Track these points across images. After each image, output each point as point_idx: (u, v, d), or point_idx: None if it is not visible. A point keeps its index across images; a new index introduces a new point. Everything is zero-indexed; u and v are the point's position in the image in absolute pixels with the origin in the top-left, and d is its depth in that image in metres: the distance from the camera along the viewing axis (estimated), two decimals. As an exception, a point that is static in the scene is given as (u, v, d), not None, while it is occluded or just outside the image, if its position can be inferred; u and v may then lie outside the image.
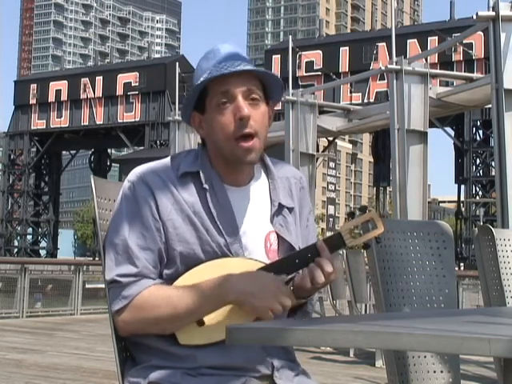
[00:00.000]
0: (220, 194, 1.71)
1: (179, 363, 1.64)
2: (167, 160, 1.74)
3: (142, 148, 43.46)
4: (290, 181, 1.83)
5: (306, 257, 1.64)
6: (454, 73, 20.59)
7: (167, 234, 1.66)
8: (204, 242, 1.66)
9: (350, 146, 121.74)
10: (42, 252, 47.97)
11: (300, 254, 1.67)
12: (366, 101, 34.43)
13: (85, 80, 45.78)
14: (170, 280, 1.67)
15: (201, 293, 1.61)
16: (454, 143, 36.82)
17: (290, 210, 1.79)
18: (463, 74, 16.69)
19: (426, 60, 19.34)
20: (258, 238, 1.73)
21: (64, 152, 51.17)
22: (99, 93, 45.16)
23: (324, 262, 1.62)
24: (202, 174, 1.71)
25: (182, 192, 1.68)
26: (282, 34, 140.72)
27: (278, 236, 1.75)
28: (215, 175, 1.72)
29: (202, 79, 1.69)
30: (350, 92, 36.94)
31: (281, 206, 1.77)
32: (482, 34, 24.95)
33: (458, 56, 34.18)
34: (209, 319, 1.64)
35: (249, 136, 1.68)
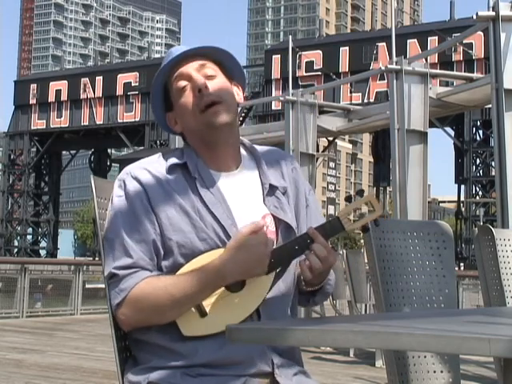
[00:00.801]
0: (208, 181, 1.72)
1: (179, 360, 1.63)
2: (156, 156, 1.77)
3: (141, 148, 43.47)
4: (280, 163, 1.83)
5: (306, 242, 1.65)
6: (454, 73, 20.59)
7: (161, 226, 1.67)
8: (199, 229, 1.66)
9: (350, 145, 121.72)
10: (42, 252, 47.98)
11: (299, 240, 1.67)
12: (366, 101, 34.44)
13: (85, 80, 45.80)
14: (169, 272, 1.67)
15: (198, 277, 1.61)
16: (454, 143, 36.84)
17: (283, 190, 1.79)
18: (463, 74, 16.69)
19: (426, 60, 19.34)
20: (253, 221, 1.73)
21: (64, 152, 51.19)
22: (99, 93, 45.18)
23: (317, 246, 1.63)
24: (189, 165, 1.72)
25: (172, 183, 1.70)
26: (281, 33, 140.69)
27: (274, 217, 1.75)
28: (201, 164, 1.74)
29: (156, 76, 1.76)
30: (350, 92, 36.96)
31: (272, 188, 1.77)
32: (481, 34, 24.96)
33: (458, 56, 34.20)
34: (211, 310, 1.64)
35: (212, 104, 1.71)
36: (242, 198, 1.74)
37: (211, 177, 1.73)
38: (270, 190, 1.77)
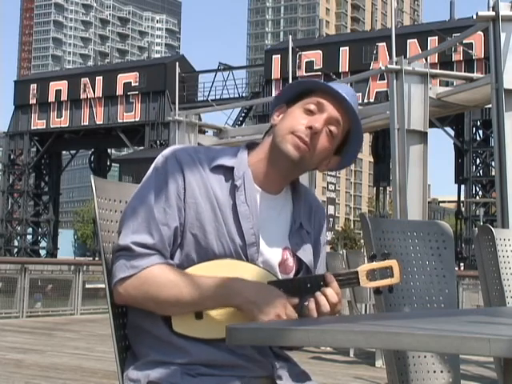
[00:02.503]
0: (250, 193, 1.70)
1: (176, 357, 1.63)
2: (204, 148, 1.76)
3: (141, 148, 43.45)
4: (313, 209, 1.83)
5: (319, 283, 1.65)
6: (454, 73, 20.56)
7: (187, 216, 1.66)
8: (220, 234, 1.66)
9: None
10: (42, 252, 47.96)
11: (313, 279, 1.68)
12: (366, 101, 34.41)
13: (85, 80, 45.76)
14: (179, 264, 1.67)
15: (209, 287, 1.61)
16: (454, 143, 36.81)
17: (308, 233, 1.79)
18: (463, 74, 16.68)
19: (426, 60, 19.34)
20: (275, 249, 1.73)
21: (64, 152, 51.15)
22: (99, 93, 45.15)
23: (330, 292, 1.64)
24: (235, 171, 1.70)
25: (212, 181, 1.68)
26: (282, 33, 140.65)
27: (294, 254, 1.75)
28: (249, 174, 1.71)
29: (319, 83, 1.73)
30: (350, 92, 36.88)
31: (301, 227, 1.77)
32: (482, 34, 24.95)
33: (458, 56, 34.17)
34: (207, 315, 1.64)
35: (304, 143, 1.69)
36: (273, 223, 1.74)
37: (254, 192, 1.71)
38: (299, 228, 1.77)
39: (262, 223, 1.70)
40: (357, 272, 1.67)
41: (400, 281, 1.68)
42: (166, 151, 1.71)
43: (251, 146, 1.78)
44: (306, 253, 1.76)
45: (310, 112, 1.71)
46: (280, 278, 1.71)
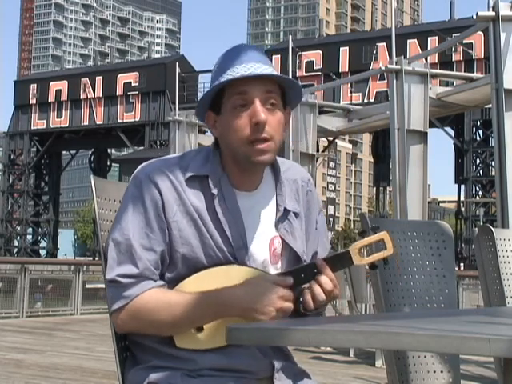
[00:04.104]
0: (229, 199, 1.67)
1: (179, 364, 1.63)
2: (176, 158, 1.71)
3: (141, 148, 43.44)
4: (298, 183, 1.80)
5: (312, 271, 1.63)
6: (454, 73, 20.56)
7: (171, 236, 1.64)
8: (207, 246, 1.64)
9: (350, 145, 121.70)
10: (42, 252, 47.95)
11: (306, 268, 1.65)
12: (366, 101, 34.41)
13: (85, 80, 45.75)
14: (171, 283, 1.66)
15: (203, 305, 1.60)
16: (454, 143, 36.81)
17: (296, 214, 1.76)
18: (463, 74, 16.68)
19: (426, 60, 19.34)
20: (262, 243, 1.71)
21: (64, 152, 51.15)
22: (99, 93, 45.14)
23: (324, 279, 1.61)
24: (210, 179, 1.67)
25: (189, 195, 1.65)
26: (282, 33, 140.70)
27: (283, 241, 1.73)
28: (225, 179, 1.69)
29: (221, 80, 1.64)
30: (350, 92, 36.93)
31: (286, 211, 1.75)
32: (482, 34, 24.95)
33: (458, 56, 34.16)
34: (207, 326, 1.63)
35: (264, 140, 1.65)
36: (257, 219, 1.71)
37: (234, 196, 1.68)
38: (284, 213, 1.74)
39: (247, 223, 1.69)
40: (348, 251, 1.64)
41: (394, 252, 1.64)
42: (140, 173, 1.67)
43: (217, 145, 1.73)
44: (295, 238, 1.74)
45: (241, 107, 1.65)
46: (271, 272, 1.69)
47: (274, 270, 1.71)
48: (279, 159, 1.79)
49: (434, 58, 31.98)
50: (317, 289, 1.61)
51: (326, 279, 1.61)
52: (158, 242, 1.63)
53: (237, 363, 1.63)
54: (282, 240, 1.73)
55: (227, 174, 1.69)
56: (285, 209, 1.74)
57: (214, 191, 1.66)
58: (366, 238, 1.64)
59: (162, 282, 1.65)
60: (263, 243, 1.71)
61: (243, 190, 1.71)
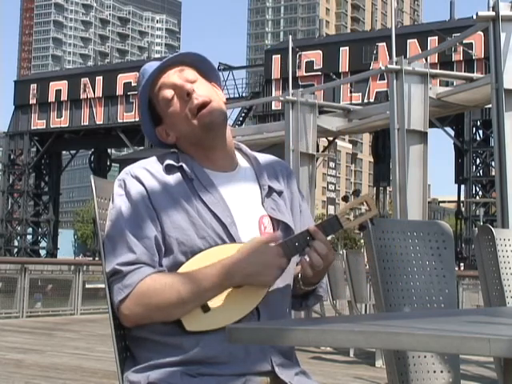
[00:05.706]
0: (205, 181, 1.74)
1: (179, 355, 1.63)
2: (153, 158, 1.79)
3: (141, 148, 43.45)
4: (276, 168, 1.86)
5: (306, 239, 1.68)
6: (454, 73, 20.56)
7: (162, 223, 1.68)
8: (198, 227, 1.68)
9: (350, 145, 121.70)
10: (42, 252, 47.98)
11: (299, 236, 1.70)
12: (366, 101, 34.43)
13: (85, 80, 45.79)
14: (170, 270, 1.68)
15: (207, 275, 1.63)
16: (454, 143, 36.84)
17: (279, 193, 1.82)
18: (463, 74, 16.68)
19: (426, 60, 19.35)
20: (251, 222, 1.74)
21: (64, 152, 51.18)
22: (99, 93, 45.18)
23: (317, 244, 1.67)
24: (185, 167, 1.74)
25: (171, 183, 1.72)
26: (282, 33, 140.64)
27: (272, 219, 1.77)
28: (197, 165, 1.76)
29: (139, 93, 1.78)
30: (350, 92, 36.95)
31: (270, 189, 1.80)
32: (481, 34, 24.96)
33: (458, 56, 34.20)
34: (213, 304, 1.65)
35: (203, 106, 1.73)
36: (240, 198, 1.76)
37: (208, 177, 1.75)
38: (269, 192, 1.79)
39: (231, 202, 1.73)
40: (336, 216, 1.72)
41: (377, 211, 1.76)
42: (120, 175, 1.76)
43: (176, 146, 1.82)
44: (283, 214, 1.79)
45: (171, 99, 1.75)
46: None
47: None
48: (254, 152, 1.88)
49: (434, 58, 32.01)
50: (313, 254, 1.66)
51: (320, 243, 1.67)
52: (151, 230, 1.68)
53: (236, 351, 1.64)
54: (272, 218, 1.77)
55: (197, 160, 1.77)
56: (269, 187, 1.80)
57: (192, 176, 1.73)
58: (350, 201, 1.74)
59: (161, 268, 1.68)
60: (252, 222, 1.75)
61: (221, 171, 1.78)
